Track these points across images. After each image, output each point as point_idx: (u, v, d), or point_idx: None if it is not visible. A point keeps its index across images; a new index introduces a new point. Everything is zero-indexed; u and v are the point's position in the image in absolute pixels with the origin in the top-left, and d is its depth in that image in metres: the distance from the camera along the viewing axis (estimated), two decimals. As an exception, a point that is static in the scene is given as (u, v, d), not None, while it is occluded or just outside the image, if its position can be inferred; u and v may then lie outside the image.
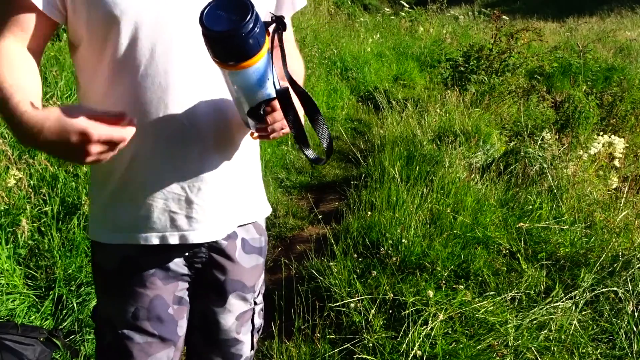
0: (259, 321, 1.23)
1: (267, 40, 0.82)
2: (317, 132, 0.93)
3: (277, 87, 0.89)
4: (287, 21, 1.16)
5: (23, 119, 0.78)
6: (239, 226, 1.11)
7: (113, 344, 1.06)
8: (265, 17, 0.88)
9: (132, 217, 1.00)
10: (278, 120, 0.93)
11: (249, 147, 1.09)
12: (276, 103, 0.89)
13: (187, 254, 1.06)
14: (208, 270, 1.10)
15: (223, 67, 0.83)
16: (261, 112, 0.89)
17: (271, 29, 0.84)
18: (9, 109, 0.80)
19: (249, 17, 0.76)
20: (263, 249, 1.19)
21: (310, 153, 0.97)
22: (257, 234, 1.17)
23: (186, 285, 1.10)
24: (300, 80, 1.14)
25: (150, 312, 1.04)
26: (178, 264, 1.06)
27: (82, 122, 0.75)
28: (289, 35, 1.18)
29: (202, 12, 0.78)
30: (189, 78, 0.94)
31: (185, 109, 0.95)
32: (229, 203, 1.05)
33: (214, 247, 1.08)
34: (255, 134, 0.98)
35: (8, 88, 0.82)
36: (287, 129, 0.95)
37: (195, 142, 0.97)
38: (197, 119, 0.96)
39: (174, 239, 1.01)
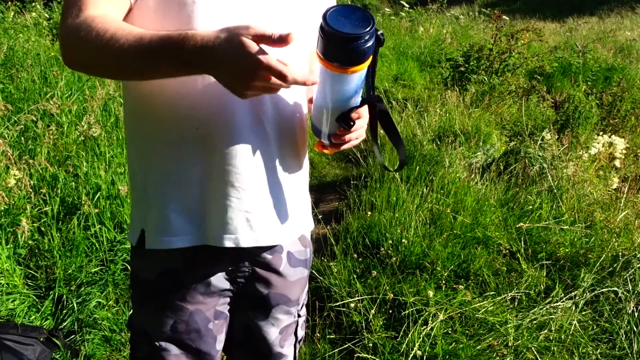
0: (301, 333, 1.20)
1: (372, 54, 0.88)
2: (394, 144, 1.03)
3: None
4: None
5: (166, 36, 0.77)
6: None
7: (148, 356, 1.03)
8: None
9: (186, 219, 0.94)
10: (359, 127, 0.98)
11: (303, 159, 1.08)
12: (361, 111, 0.94)
13: (230, 268, 1.02)
14: (251, 285, 1.06)
15: (330, 68, 0.85)
16: (351, 117, 0.93)
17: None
18: (135, 36, 0.79)
19: (371, 27, 0.81)
20: (308, 261, 1.16)
21: (381, 159, 1.12)
22: (303, 246, 1.13)
23: (227, 300, 1.06)
24: None
25: (189, 326, 1.01)
26: (220, 279, 1.01)
27: (271, 60, 0.74)
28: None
29: (325, 12, 0.82)
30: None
31: (265, 104, 0.94)
32: (286, 210, 1.03)
33: (258, 261, 1.04)
34: (327, 142, 1.00)
35: (127, 28, 0.81)
36: (361, 138, 1.01)
37: (261, 141, 0.94)
38: (275, 117, 0.95)
39: (229, 242, 0.95)
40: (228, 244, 0.95)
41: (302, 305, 1.17)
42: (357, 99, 0.94)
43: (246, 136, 0.92)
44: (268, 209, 0.99)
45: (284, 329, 1.13)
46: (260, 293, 1.07)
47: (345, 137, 0.97)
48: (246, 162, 0.93)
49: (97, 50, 0.81)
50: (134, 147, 0.99)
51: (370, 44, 0.83)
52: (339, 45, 0.82)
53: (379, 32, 0.86)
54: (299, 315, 1.16)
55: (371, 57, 0.87)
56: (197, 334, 1.02)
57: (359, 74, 0.86)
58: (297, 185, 1.06)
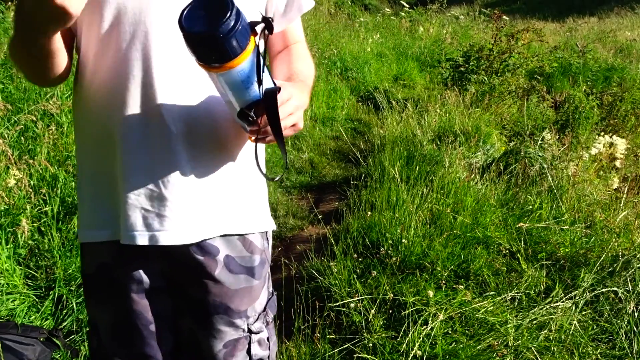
0: (260, 352, 1.10)
1: (253, 40, 0.80)
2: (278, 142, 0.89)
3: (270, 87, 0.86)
4: (297, 22, 1.16)
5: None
6: (222, 237, 1.01)
7: (98, 352, 1.06)
8: (255, 17, 0.87)
9: (106, 213, 0.97)
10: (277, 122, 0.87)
11: (235, 155, 1.01)
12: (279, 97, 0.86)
13: (161, 267, 1.00)
14: (187, 287, 1.02)
15: (208, 70, 0.81)
16: (251, 113, 0.85)
17: (259, 29, 0.82)
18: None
19: (227, 16, 0.74)
20: (255, 270, 1.07)
21: (286, 160, 0.96)
22: (247, 251, 1.05)
23: (169, 301, 1.03)
24: (307, 81, 1.09)
25: (129, 327, 1.01)
26: (154, 278, 1.00)
27: None
28: (297, 36, 1.16)
29: (182, 13, 0.76)
30: (170, 68, 0.92)
31: (168, 100, 0.92)
32: (208, 206, 0.97)
33: (188, 262, 0.99)
34: (252, 137, 0.92)
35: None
36: (294, 125, 0.92)
37: (174, 136, 0.92)
38: (181, 113, 0.93)
39: (143, 240, 0.94)
40: (140, 241, 0.94)
41: (257, 320, 1.09)
42: (256, 93, 0.84)
43: (144, 134, 0.92)
44: (177, 206, 0.95)
45: (229, 343, 1.05)
46: (195, 297, 1.02)
47: (262, 131, 0.88)
48: (143, 159, 0.93)
49: (18, 61, 0.92)
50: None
51: (238, 30, 0.75)
52: (200, 45, 0.76)
53: (262, 16, 0.80)
54: (250, 331, 1.07)
55: (251, 42, 0.79)
56: (139, 335, 1.02)
57: (239, 67, 0.79)
58: (223, 182, 0.99)
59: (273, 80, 0.90)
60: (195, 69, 0.85)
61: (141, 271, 0.99)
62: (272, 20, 0.83)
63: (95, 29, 0.92)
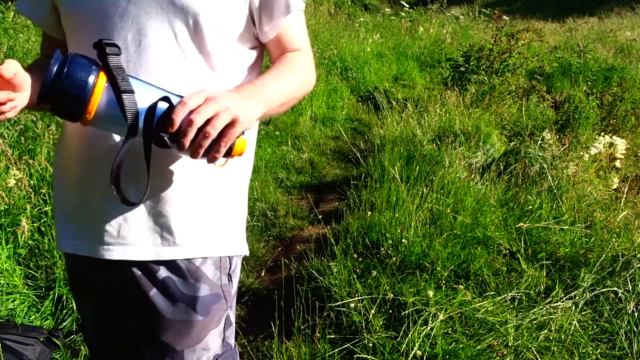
0: None
1: (102, 74, 0.76)
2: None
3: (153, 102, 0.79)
4: (293, 28, 0.99)
5: None
6: (161, 262, 0.90)
7: (86, 342, 1.13)
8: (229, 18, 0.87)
9: (57, 221, 0.97)
10: (189, 135, 0.75)
11: (208, 172, 0.91)
12: (175, 119, 0.75)
13: (112, 279, 0.94)
14: (120, 305, 0.96)
15: (86, 124, 0.77)
16: (165, 137, 0.77)
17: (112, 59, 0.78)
18: None
19: (49, 64, 0.72)
20: (199, 302, 0.91)
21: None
22: (192, 278, 0.91)
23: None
24: (274, 84, 0.91)
25: (96, 331, 1.04)
26: (109, 289, 0.96)
27: None
28: (296, 43, 1.00)
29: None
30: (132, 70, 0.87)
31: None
32: (146, 222, 0.89)
33: (128, 277, 0.92)
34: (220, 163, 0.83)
35: None
36: (210, 139, 0.77)
37: (108, 152, 0.86)
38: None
39: (83, 250, 0.91)
40: (82, 252, 0.92)
41: None
42: (140, 122, 0.77)
43: (93, 147, 0.90)
44: (114, 222, 0.89)
45: None
46: (128, 320, 0.96)
47: (190, 147, 0.78)
48: (89, 172, 0.90)
49: None
50: None
51: (68, 73, 0.72)
52: (49, 101, 0.74)
53: (103, 43, 0.76)
54: None
55: (99, 78, 0.75)
56: (103, 339, 1.04)
57: (100, 108, 0.75)
58: (186, 195, 0.91)
59: (167, 92, 0.81)
60: (161, 68, 0.86)
61: (91, 279, 0.99)
62: (101, 42, 0.79)
63: (70, 39, 0.94)
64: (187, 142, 0.75)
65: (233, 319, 1.01)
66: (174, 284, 0.91)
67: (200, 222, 0.92)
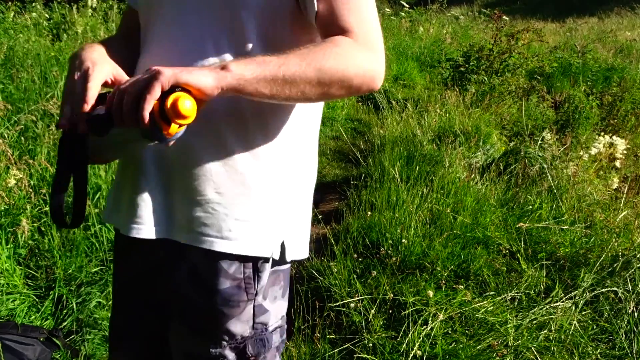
0: None
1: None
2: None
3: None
4: (342, 8, 0.84)
5: None
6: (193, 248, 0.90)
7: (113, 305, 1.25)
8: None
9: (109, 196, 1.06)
10: (114, 101, 0.75)
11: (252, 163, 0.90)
12: (108, 97, 0.78)
13: (140, 253, 0.99)
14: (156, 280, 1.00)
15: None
16: (103, 117, 0.78)
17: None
18: None
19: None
20: (223, 292, 0.91)
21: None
22: (213, 270, 0.91)
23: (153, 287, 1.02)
24: (313, 64, 0.79)
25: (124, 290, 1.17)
26: (138, 262, 1.03)
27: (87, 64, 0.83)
28: (343, 25, 0.84)
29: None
30: (167, 57, 0.88)
31: None
32: (168, 204, 0.91)
33: (157, 257, 0.96)
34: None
35: None
36: (128, 99, 0.73)
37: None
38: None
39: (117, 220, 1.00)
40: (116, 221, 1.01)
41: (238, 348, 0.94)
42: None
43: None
44: (151, 194, 0.91)
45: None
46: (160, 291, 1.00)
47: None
48: (143, 157, 0.92)
49: None
50: None
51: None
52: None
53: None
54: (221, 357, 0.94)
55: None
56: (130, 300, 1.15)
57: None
58: (218, 184, 0.89)
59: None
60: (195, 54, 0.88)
61: (125, 252, 1.08)
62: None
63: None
64: (113, 110, 0.74)
65: (269, 305, 0.97)
66: (198, 271, 0.92)
67: (248, 219, 0.90)
